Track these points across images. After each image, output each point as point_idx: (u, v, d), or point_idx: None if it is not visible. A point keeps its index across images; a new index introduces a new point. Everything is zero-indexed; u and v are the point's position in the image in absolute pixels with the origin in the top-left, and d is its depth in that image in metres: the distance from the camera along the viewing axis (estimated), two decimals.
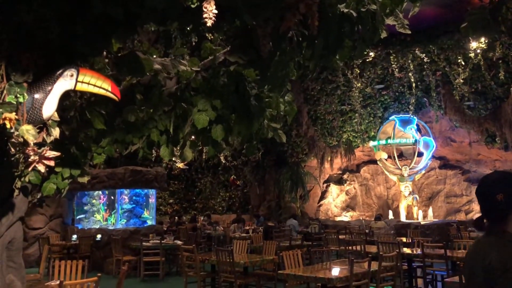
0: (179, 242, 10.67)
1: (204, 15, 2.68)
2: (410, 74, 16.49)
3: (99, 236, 11.69)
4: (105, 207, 12.71)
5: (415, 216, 16.91)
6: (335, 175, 20.27)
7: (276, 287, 7.79)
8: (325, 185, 20.12)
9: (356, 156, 19.15)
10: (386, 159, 17.94)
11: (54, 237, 11.70)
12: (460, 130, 17.47)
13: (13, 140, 2.91)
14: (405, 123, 17.24)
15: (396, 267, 6.77)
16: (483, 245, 1.92)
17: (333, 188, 20.23)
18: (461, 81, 15.74)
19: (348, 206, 20.36)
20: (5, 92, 2.94)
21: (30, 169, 3.00)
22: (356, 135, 18.34)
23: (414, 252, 8.45)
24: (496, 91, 15.67)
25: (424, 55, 15.96)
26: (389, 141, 17.30)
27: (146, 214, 12.78)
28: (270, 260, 7.75)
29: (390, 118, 17.59)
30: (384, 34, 3.57)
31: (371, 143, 18.18)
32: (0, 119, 2.79)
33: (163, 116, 4.05)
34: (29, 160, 2.94)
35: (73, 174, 3.83)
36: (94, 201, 12.80)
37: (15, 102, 2.92)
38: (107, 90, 3.30)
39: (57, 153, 3.05)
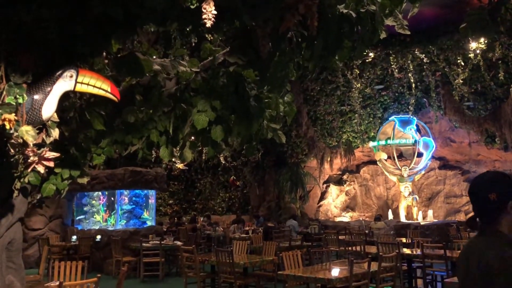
0: (179, 243, 10.66)
1: (204, 16, 2.68)
2: (409, 74, 16.48)
3: (98, 237, 11.68)
4: (105, 208, 12.71)
5: (414, 216, 16.89)
6: (334, 175, 20.26)
7: (276, 287, 7.80)
8: (324, 185, 20.11)
9: (356, 157, 19.13)
10: (385, 160, 17.92)
11: (54, 238, 11.68)
12: (460, 131, 17.45)
13: (12, 141, 2.91)
14: (404, 123, 17.23)
15: (395, 268, 6.77)
16: (478, 245, 1.91)
17: (333, 189, 20.22)
18: (461, 81, 15.74)
19: (348, 207, 20.35)
20: (4, 93, 2.94)
21: (29, 170, 3.00)
22: (356, 136, 18.32)
23: (414, 252, 8.45)
24: (496, 92, 15.67)
25: (423, 55, 15.96)
26: (389, 141, 17.28)
27: (145, 214, 12.77)
28: (269, 261, 7.75)
29: (389, 118, 17.56)
30: (383, 35, 3.58)
31: (371, 144, 18.17)
32: (0, 120, 2.79)
33: (163, 116, 4.05)
34: (29, 161, 2.94)
35: (72, 175, 3.83)
36: (93, 202, 12.80)
37: (14, 103, 2.93)
38: (106, 91, 3.30)
39: (56, 154, 3.05)
